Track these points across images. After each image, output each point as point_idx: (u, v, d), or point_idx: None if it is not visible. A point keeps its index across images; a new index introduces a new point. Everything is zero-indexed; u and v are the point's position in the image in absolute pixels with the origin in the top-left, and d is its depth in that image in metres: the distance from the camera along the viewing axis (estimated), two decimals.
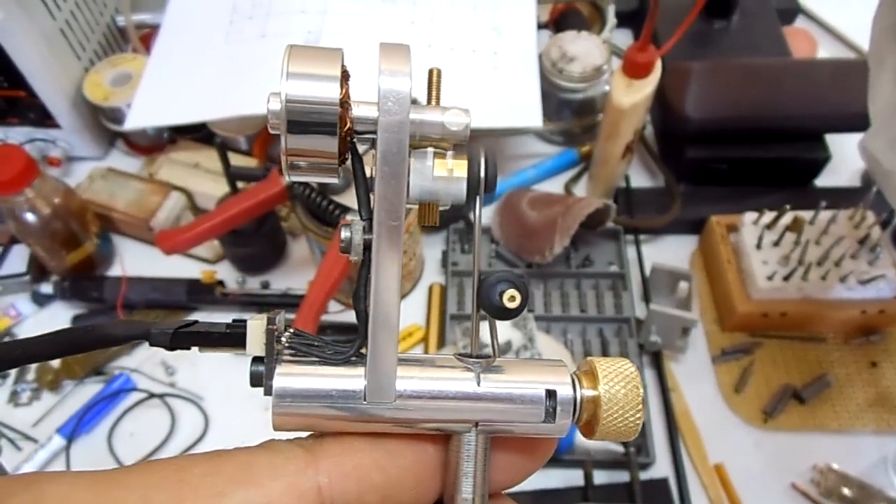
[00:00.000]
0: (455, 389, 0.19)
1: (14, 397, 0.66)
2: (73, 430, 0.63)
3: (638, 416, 0.20)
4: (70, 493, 0.16)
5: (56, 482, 0.17)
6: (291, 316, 0.61)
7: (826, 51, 0.89)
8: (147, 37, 0.84)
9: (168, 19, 0.78)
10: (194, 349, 0.20)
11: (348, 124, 0.19)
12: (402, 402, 0.19)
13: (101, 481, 0.17)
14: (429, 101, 0.20)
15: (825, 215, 0.66)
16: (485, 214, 0.76)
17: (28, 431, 0.64)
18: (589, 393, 0.20)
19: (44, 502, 0.16)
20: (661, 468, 0.61)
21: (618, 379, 0.20)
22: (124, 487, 0.16)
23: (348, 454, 0.18)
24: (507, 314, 0.19)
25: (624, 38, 0.92)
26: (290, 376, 0.19)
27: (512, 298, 0.19)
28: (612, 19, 0.84)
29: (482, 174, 0.19)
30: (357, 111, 0.19)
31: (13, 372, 0.68)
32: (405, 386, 0.19)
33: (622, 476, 0.59)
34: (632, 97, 0.64)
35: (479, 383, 0.20)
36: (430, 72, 0.20)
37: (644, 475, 0.60)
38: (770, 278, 0.64)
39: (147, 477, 0.17)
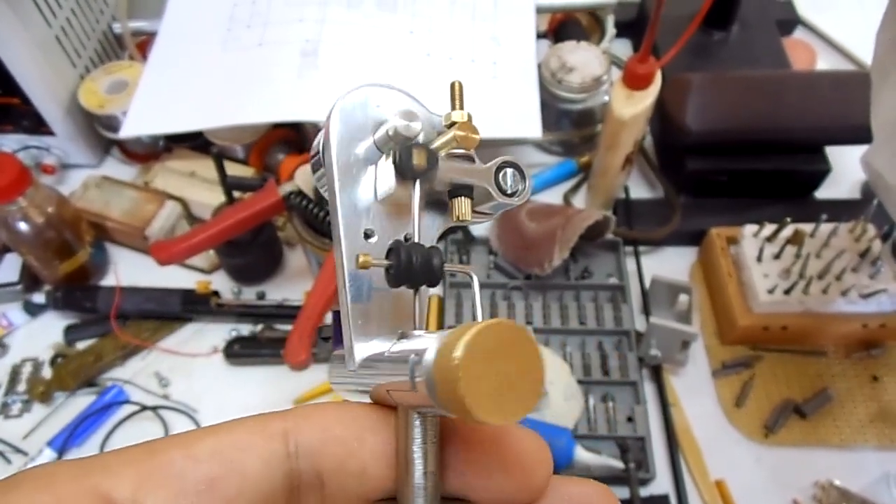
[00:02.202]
0: (375, 355, 0.21)
1: (4, 409, 0.65)
2: (65, 442, 0.62)
3: (454, 383, 0.15)
4: (45, 466, 0.18)
5: (34, 469, 0.18)
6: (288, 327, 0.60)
7: (825, 62, 0.89)
8: (144, 44, 0.83)
9: (165, 27, 0.78)
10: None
11: None
12: (359, 368, 0.21)
13: (79, 460, 0.19)
14: (452, 110, 0.22)
15: (826, 228, 0.65)
16: (483, 225, 0.75)
17: (18, 444, 0.63)
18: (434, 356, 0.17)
19: (21, 480, 0.17)
20: (661, 484, 0.60)
21: (454, 337, 0.16)
22: (102, 455, 0.18)
23: (315, 412, 0.20)
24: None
25: (623, 49, 0.92)
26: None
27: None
28: (611, 29, 0.83)
29: (398, 159, 0.21)
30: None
31: (3, 383, 0.67)
32: (360, 355, 0.22)
33: (622, 492, 0.59)
34: (632, 108, 0.63)
35: (390, 350, 0.21)
36: (453, 84, 0.22)
37: (644, 491, 0.59)
38: (771, 291, 0.63)
39: (123, 448, 0.19)
